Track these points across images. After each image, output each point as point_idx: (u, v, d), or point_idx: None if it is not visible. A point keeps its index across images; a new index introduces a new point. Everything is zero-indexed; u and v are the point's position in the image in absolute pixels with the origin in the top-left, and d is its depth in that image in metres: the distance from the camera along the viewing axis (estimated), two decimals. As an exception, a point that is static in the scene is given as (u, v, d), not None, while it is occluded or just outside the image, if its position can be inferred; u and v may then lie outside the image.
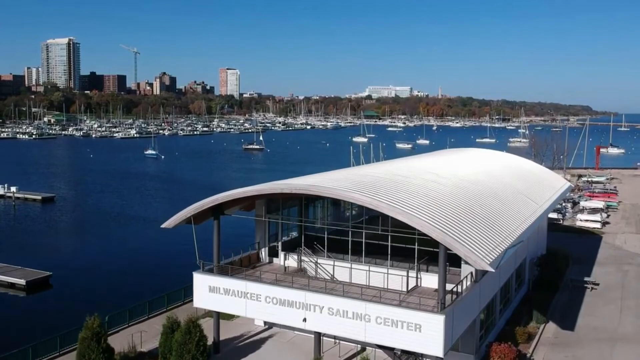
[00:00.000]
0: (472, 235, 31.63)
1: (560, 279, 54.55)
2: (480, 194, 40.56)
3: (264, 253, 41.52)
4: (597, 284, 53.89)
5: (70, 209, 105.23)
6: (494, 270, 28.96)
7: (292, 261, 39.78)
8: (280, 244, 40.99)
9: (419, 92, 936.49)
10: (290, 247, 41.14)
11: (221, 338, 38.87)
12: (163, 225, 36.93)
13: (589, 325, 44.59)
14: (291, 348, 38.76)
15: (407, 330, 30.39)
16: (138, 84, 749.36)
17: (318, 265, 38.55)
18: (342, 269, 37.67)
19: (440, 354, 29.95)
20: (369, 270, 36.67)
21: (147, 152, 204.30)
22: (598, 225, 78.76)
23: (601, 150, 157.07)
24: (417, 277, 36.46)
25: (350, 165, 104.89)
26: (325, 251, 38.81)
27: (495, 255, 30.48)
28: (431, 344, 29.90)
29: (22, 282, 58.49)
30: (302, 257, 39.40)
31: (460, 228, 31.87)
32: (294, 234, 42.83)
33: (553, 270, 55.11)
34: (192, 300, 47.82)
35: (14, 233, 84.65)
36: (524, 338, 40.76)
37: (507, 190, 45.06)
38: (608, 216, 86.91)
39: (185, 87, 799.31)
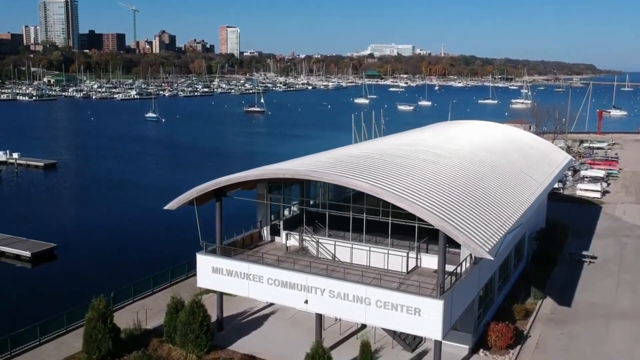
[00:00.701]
0: (471, 220, 31.95)
1: (559, 253, 55.18)
2: (480, 174, 40.72)
3: (265, 232, 41.96)
4: (595, 258, 54.52)
5: (72, 176, 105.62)
6: (492, 258, 29.37)
7: (293, 240, 40.17)
8: (282, 222, 41.33)
9: (421, 50, 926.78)
10: (292, 225, 41.50)
11: (224, 315, 39.63)
12: (166, 207, 37.28)
13: (586, 300, 45.34)
14: (293, 325, 39.57)
15: (406, 314, 31.01)
16: (137, 43, 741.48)
17: (319, 244, 38.98)
18: (343, 249, 38.11)
19: (439, 338, 30.64)
20: (370, 251, 37.12)
21: (147, 115, 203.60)
22: (598, 195, 79.12)
23: (604, 114, 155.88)
24: (417, 258, 36.93)
25: (352, 130, 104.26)
26: (327, 229, 39.11)
27: (495, 242, 30.86)
28: (430, 328, 30.56)
29: (27, 254, 59.22)
30: (304, 237, 39.79)
31: (459, 213, 32.17)
32: (295, 209, 43.13)
33: (552, 244, 55.67)
34: (195, 275, 48.80)
35: (18, 202, 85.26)
36: (521, 315, 41.54)
37: (508, 168, 45.19)
38: (608, 185, 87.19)
39: (185, 45, 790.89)
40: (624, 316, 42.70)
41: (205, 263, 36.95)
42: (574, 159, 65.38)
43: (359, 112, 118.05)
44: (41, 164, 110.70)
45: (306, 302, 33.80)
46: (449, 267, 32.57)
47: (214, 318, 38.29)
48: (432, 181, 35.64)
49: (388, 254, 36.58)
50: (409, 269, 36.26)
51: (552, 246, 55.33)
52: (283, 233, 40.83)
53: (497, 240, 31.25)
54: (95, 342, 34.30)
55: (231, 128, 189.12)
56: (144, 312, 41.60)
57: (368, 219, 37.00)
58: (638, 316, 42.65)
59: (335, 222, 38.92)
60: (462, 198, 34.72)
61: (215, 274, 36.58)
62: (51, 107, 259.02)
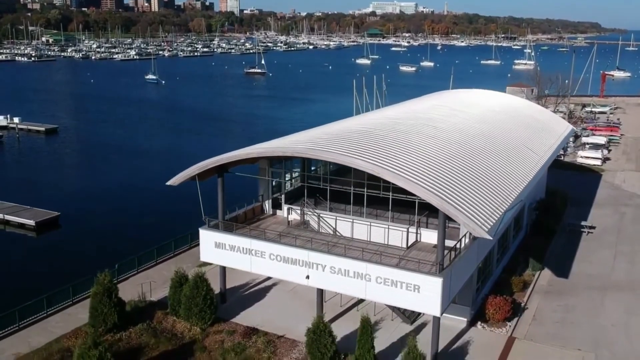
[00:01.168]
0: (471, 198, 32.27)
1: (558, 223, 55.70)
2: (480, 148, 40.83)
3: (267, 205, 42.38)
4: (594, 228, 55.06)
5: (73, 141, 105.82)
6: (491, 238, 29.79)
7: (295, 214, 40.59)
8: (283, 196, 41.69)
9: (424, 8, 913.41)
10: (294, 198, 41.89)
11: (227, 286, 40.35)
12: (168, 183, 37.53)
13: (583, 272, 46.03)
14: (294, 297, 40.31)
15: (406, 291, 31.59)
16: (136, 1, 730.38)
17: (321, 219, 39.42)
18: (344, 223, 38.56)
19: (438, 314, 31.31)
20: (370, 225, 37.58)
21: (147, 77, 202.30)
22: (598, 163, 79.32)
23: (607, 77, 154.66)
24: (417, 233, 37.40)
25: (353, 95, 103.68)
26: (328, 203, 39.44)
27: (494, 220, 31.24)
28: (429, 304, 31.19)
29: (32, 222, 59.88)
30: (305, 210, 40.21)
31: (459, 190, 32.46)
32: (297, 178, 43.34)
33: (551, 213, 56.15)
34: (198, 245, 49.56)
35: (20, 168, 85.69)
36: (519, 287, 42.24)
37: (508, 142, 45.27)
38: (609, 151, 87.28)
39: (184, 3, 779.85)
40: (619, 288, 43.41)
41: (208, 238, 37.46)
42: (575, 129, 65.19)
43: (361, 75, 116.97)
44: (42, 129, 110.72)
45: (307, 277, 34.40)
46: (449, 242, 33.02)
47: (217, 289, 39.07)
48: (432, 157, 35.82)
49: (388, 228, 37.03)
50: (409, 244, 36.78)
51: (551, 216, 55.82)
52: (285, 207, 41.24)
53: (497, 218, 31.63)
54: (101, 315, 35.08)
55: (232, 90, 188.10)
56: (148, 284, 42.31)
57: (369, 193, 37.32)
58: (633, 288, 43.36)
59: (337, 195, 39.20)
60: (462, 174, 34.96)
61: (218, 248, 37.12)
62: (50, 68, 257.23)
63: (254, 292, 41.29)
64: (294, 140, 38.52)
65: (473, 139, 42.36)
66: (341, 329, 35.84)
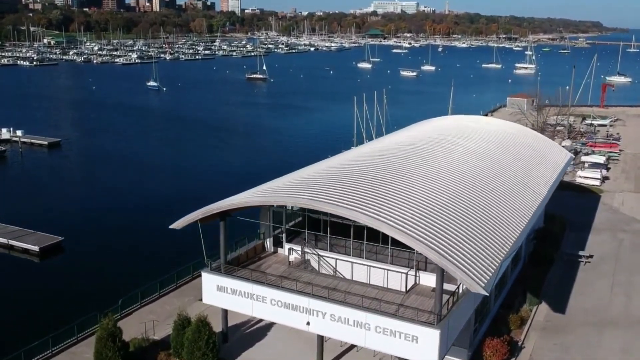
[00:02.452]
0: (468, 250, 32.87)
1: (556, 251, 56.27)
2: (477, 190, 41.36)
3: (268, 243, 43.02)
4: (591, 256, 55.64)
5: (76, 156, 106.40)
6: (487, 294, 30.45)
7: (296, 254, 41.15)
8: (284, 235, 42.27)
9: (425, 7, 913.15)
10: (295, 232, 42.34)
11: (230, 323, 41.00)
12: (171, 226, 38.22)
13: (580, 306, 46.62)
14: (295, 337, 40.69)
15: (404, 340, 32.27)
16: (137, 1, 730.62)
17: (321, 258, 40.04)
18: (344, 264, 39.16)
19: (435, 364, 31.97)
20: (370, 268, 38.19)
21: (149, 84, 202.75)
22: (597, 183, 79.85)
23: (607, 87, 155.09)
24: (415, 276, 38.03)
25: (354, 105, 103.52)
26: (329, 237, 39.64)
27: (491, 273, 31.85)
28: (427, 355, 31.85)
29: (36, 248, 60.57)
30: (306, 250, 40.84)
31: (456, 242, 33.06)
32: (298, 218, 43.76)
33: (549, 241, 56.72)
34: (200, 276, 50.27)
35: (23, 186, 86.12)
36: (516, 324, 42.86)
37: (505, 179, 45.79)
38: (608, 169, 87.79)
39: (185, 3, 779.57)
40: (616, 324, 44.02)
41: (210, 281, 38.14)
42: (575, 144, 65.66)
43: (362, 80, 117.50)
44: (45, 142, 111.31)
45: (308, 324, 35.07)
46: (447, 286, 33.50)
47: (219, 326, 39.76)
48: (429, 203, 36.41)
49: (387, 272, 37.63)
50: (408, 287, 37.39)
51: (549, 244, 56.37)
52: (286, 246, 41.88)
53: (493, 271, 32.25)
54: (106, 359, 35.75)
55: (234, 97, 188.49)
56: (151, 322, 42.99)
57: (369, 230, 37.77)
58: (629, 324, 43.97)
59: (337, 228, 39.36)
60: (459, 222, 35.55)
61: (220, 292, 37.80)
62: (52, 73, 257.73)
63: (256, 330, 41.93)
64: (292, 182, 39.04)
65: (470, 179, 42.91)
66: (341, 372, 36.66)
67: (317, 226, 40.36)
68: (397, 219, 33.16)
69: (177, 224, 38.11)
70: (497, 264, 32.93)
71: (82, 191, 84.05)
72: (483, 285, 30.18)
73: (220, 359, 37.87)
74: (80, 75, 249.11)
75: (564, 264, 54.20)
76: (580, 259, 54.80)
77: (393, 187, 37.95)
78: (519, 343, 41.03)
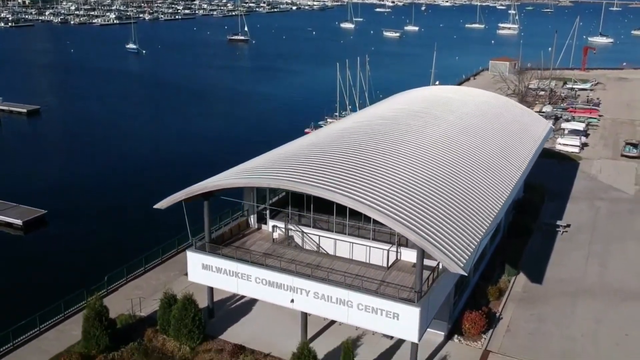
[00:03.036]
0: (447, 229, 33.61)
1: (535, 221, 57.51)
2: (457, 167, 41.84)
3: (252, 219, 43.50)
4: (569, 226, 56.98)
5: (56, 124, 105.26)
6: (466, 274, 31.33)
7: (280, 226, 41.55)
8: (268, 212, 42.72)
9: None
10: (279, 206, 42.81)
11: (215, 297, 41.72)
12: (156, 206, 38.45)
13: (557, 277, 47.98)
14: (280, 311, 41.48)
15: (386, 317, 33.22)
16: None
17: (304, 235, 40.66)
18: (328, 240, 39.83)
19: (416, 340, 33.06)
20: (352, 245, 38.92)
21: (128, 47, 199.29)
22: (576, 150, 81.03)
23: (589, 50, 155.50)
24: (397, 252, 38.86)
25: (337, 69, 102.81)
26: (312, 213, 40.18)
27: (470, 252, 32.67)
28: (408, 331, 32.88)
29: (19, 222, 60.59)
30: (289, 227, 41.41)
31: (436, 222, 33.76)
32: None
33: (528, 212, 57.90)
34: (185, 249, 50.81)
35: (3, 157, 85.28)
36: (495, 296, 44.11)
37: (486, 154, 46.39)
38: (587, 136, 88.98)
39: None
40: (590, 294, 45.47)
41: (195, 260, 38.67)
42: (553, 127, 66.41)
43: (345, 41, 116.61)
44: (24, 110, 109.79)
45: (292, 301, 35.88)
46: (428, 261, 34.27)
47: (204, 300, 40.53)
48: (409, 182, 36.93)
49: (370, 248, 38.39)
50: (390, 263, 38.23)
51: (528, 215, 57.58)
52: (270, 223, 42.39)
53: (472, 250, 33.08)
54: (94, 338, 36.42)
55: (215, 61, 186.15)
56: (137, 296, 43.60)
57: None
58: (603, 294, 45.41)
59: (320, 206, 39.80)
60: (439, 201, 36.19)
61: (205, 270, 38.38)
62: (28, 34, 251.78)
63: (241, 305, 42.73)
64: (275, 161, 39.29)
65: (450, 155, 43.43)
66: (325, 345, 37.70)
67: (300, 202, 40.81)
68: (377, 199, 33.72)
69: (161, 204, 38.37)
70: (476, 243, 33.77)
71: (63, 161, 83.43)
72: (462, 265, 31.03)
73: (207, 335, 38.72)
74: (57, 37, 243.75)
75: (542, 234, 55.46)
76: (558, 229, 56.09)
77: (374, 165, 38.41)
78: (497, 314, 42.33)
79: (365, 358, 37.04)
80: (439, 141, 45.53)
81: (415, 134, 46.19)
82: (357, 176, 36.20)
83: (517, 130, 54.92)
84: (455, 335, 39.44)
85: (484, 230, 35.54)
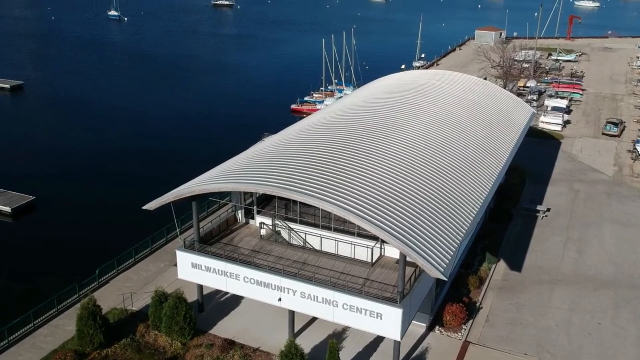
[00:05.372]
0: (428, 233, 34.71)
1: (516, 205, 59.04)
2: (438, 165, 42.60)
3: (240, 215, 44.48)
4: (549, 210, 58.58)
5: (40, 100, 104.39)
6: (446, 279, 32.68)
7: (268, 221, 42.58)
8: (255, 208, 43.68)
9: None
10: (265, 200, 43.82)
11: (205, 291, 42.95)
12: (144, 207, 39.13)
13: (535, 264, 49.70)
14: (269, 305, 43.04)
15: (369, 317, 34.69)
16: None
17: (292, 231, 41.77)
18: (314, 237, 40.98)
19: (398, 339, 34.61)
20: (337, 241, 40.12)
21: (109, 13, 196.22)
22: (558, 128, 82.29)
23: (574, 19, 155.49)
24: (381, 248, 40.14)
25: (322, 37, 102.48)
26: (298, 208, 41.25)
27: (450, 256, 33.92)
28: (391, 330, 34.38)
29: (8, 209, 61.08)
30: (276, 222, 42.47)
31: (417, 225, 34.82)
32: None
33: (509, 196, 59.39)
34: (174, 238, 51.91)
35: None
36: (475, 285, 45.76)
37: (467, 148, 47.24)
38: (570, 112, 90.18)
39: None
40: (566, 282, 47.29)
41: (184, 258, 39.71)
42: (535, 111, 67.26)
43: (331, 5, 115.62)
44: (7, 86, 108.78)
45: (280, 300, 37.20)
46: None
47: (194, 292, 41.82)
48: (391, 185, 37.81)
49: (354, 245, 39.62)
50: (374, 259, 39.54)
51: (508, 199, 59.08)
52: (257, 218, 43.38)
53: (452, 253, 34.34)
54: (88, 336, 37.61)
55: (199, 28, 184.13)
56: (128, 290, 44.78)
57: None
58: (578, 282, 47.25)
59: (307, 205, 40.76)
60: (421, 203, 37.17)
61: (194, 268, 39.47)
62: (7, 0, 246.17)
63: (230, 298, 44.01)
64: (262, 162, 39.98)
65: (433, 152, 44.25)
66: (312, 339, 39.30)
67: (287, 200, 41.79)
68: (361, 204, 34.68)
69: (150, 205, 39.11)
70: (456, 246, 35.01)
71: (50, 143, 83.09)
72: (442, 270, 32.32)
73: (197, 329, 40.08)
74: (37, 3, 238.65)
75: (522, 219, 57.04)
76: (537, 214, 57.65)
77: (357, 166, 39.20)
78: (477, 304, 44.03)
79: (351, 351, 38.68)
80: (422, 137, 46.27)
81: (399, 129, 46.90)
82: (340, 179, 37.07)
83: (500, 120, 55.77)
84: (437, 327, 41.13)
85: (464, 232, 36.77)
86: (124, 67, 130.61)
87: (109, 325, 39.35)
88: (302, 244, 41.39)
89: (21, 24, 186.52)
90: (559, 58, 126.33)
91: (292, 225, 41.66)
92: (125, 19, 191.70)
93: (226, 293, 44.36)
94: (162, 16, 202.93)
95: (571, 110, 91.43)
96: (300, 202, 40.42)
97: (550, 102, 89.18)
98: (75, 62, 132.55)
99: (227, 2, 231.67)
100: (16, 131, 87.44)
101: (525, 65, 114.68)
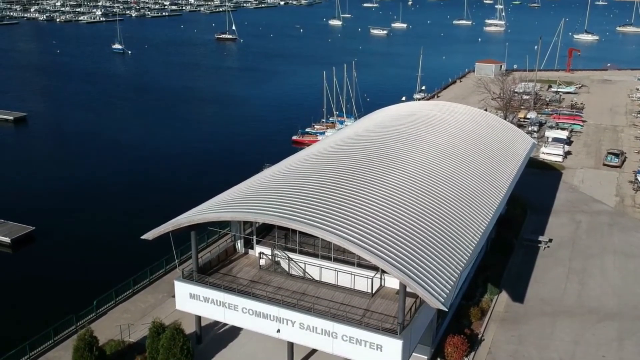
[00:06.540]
0: (429, 263, 34.49)
1: (517, 236, 58.67)
2: (439, 196, 42.60)
3: (239, 244, 44.24)
4: (551, 240, 58.17)
5: (43, 133, 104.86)
6: (447, 309, 32.29)
7: (266, 257, 42.43)
8: (254, 238, 43.45)
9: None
10: (265, 230, 43.58)
11: (202, 323, 42.45)
12: (143, 237, 39.05)
13: (537, 295, 49.15)
14: (267, 336, 42.52)
15: (369, 349, 34.19)
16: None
17: (291, 261, 41.45)
18: (313, 268, 40.65)
19: (398, 371, 34.04)
20: (337, 272, 39.79)
21: (114, 47, 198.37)
22: (559, 159, 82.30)
23: (573, 52, 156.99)
24: (381, 278, 39.77)
25: (323, 69, 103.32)
26: (298, 237, 40.98)
27: (450, 286, 33.61)
28: (390, 362, 33.86)
29: (7, 240, 60.85)
30: (276, 252, 42.20)
31: (418, 256, 34.61)
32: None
33: (510, 227, 59.02)
34: (173, 269, 51.56)
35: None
36: (477, 316, 45.17)
37: (467, 179, 47.21)
38: (571, 143, 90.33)
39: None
40: (569, 314, 46.67)
41: (183, 289, 39.38)
42: (535, 142, 67.40)
43: (333, 40, 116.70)
44: (10, 117, 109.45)
45: (278, 331, 36.73)
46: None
47: (192, 323, 41.29)
48: (393, 215, 37.73)
49: (354, 275, 39.26)
50: (374, 290, 39.14)
51: (510, 230, 58.72)
52: (257, 248, 43.12)
53: (453, 284, 34.02)
54: (84, 369, 37.10)
55: (202, 61, 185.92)
56: (126, 321, 44.29)
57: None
58: (581, 314, 46.63)
59: (307, 235, 40.55)
60: (421, 233, 37.01)
61: (192, 299, 39.11)
62: (14, 33, 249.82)
63: (229, 330, 43.42)
64: (262, 191, 39.97)
65: (434, 183, 44.23)
66: (311, 372, 38.71)
67: (287, 229, 41.56)
68: (361, 234, 34.53)
69: (148, 235, 38.99)
70: (456, 277, 34.70)
71: (51, 174, 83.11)
72: (442, 300, 31.96)
73: (195, 362, 39.51)
74: (43, 36, 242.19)
75: (524, 250, 56.62)
76: (539, 244, 57.24)
77: (359, 196, 39.17)
78: (479, 336, 43.41)
79: (350, 384, 37.98)
80: (422, 167, 46.30)
81: (399, 159, 46.96)
82: (341, 209, 36.97)
83: (500, 151, 55.84)
84: (438, 359, 40.47)
85: (464, 263, 36.48)
86: (127, 99, 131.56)
87: (105, 357, 38.89)
88: (301, 274, 41.05)
89: (26, 56, 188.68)
90: (559, 90, 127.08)
91: (292, 255, 41.41)
92: (129, 52, 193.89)
93: (225, 324, 43.83)
94: (166, 50, 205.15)
95: (572, 142, 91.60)
96: (300, 232, 40.26)
97: (551, 133, 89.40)
98: (78, 94, 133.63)
99: (230, 36, 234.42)
100: (18, 161, 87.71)
101: (525, 97, 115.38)
